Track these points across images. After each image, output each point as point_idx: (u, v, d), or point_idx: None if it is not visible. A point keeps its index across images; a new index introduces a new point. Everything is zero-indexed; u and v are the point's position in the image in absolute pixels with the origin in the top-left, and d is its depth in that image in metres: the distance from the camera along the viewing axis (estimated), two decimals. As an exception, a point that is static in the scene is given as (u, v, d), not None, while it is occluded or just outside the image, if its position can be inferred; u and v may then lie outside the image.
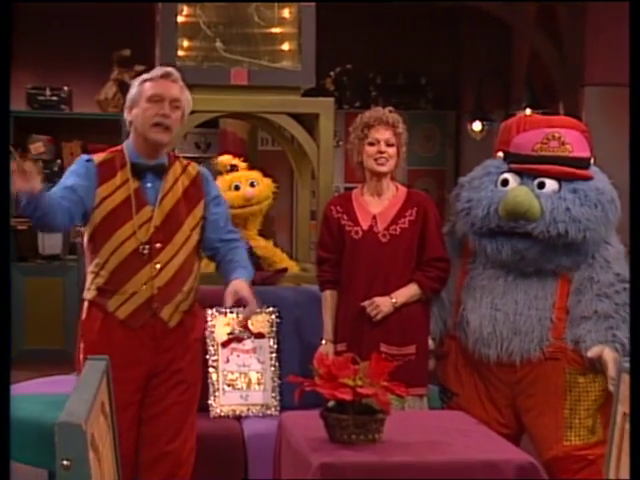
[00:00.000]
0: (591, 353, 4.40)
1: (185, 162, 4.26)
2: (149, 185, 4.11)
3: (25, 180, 3.68)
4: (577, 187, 4.46)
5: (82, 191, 4.04)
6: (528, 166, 4.49)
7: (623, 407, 3.83)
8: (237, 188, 5.48)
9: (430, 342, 4.69)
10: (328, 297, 4.75)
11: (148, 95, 4.06)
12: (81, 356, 4.11)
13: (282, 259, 5.58)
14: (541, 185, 4.46)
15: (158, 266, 4.06)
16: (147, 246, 4.05)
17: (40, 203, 3.83)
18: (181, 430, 4.16)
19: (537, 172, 4.47)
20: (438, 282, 4.64)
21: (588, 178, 4.49)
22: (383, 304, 4.56)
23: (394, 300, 4.57)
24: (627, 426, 3.79)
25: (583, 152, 4.54)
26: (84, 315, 4.16)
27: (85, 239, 4.16)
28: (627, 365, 3.86)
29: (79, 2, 10.03)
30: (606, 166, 4.68)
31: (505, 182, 4.51)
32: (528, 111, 8.38)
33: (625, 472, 3.79)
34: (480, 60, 10.52)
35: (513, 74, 10.50)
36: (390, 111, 4.70)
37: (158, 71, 4.15)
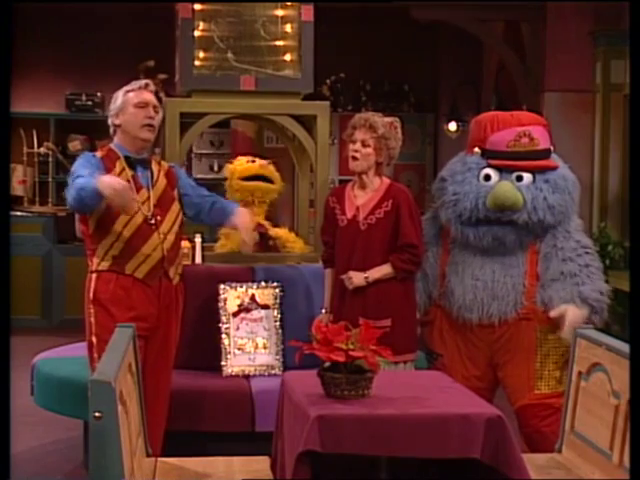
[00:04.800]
0: (554, 313, 4.40)
1: (158, 159, 4.52)
2: (140, 174, 4.31)
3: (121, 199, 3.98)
4: (548, 177, 4.49)
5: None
6: (507, 162, 4.48)
7: (578, 367, 3.82)
8: (253, 162, 5.36)
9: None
10: (327, 274, 4.77)
11: (134, 102, 4.28)
12: (92, 319, 4.22)
13: (295, 240, 5.48)
14: (519, 178, 4.48)
15: (163, 233, 4.28)
16: (152, 218, 4.25)
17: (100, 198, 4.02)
18: (171, 373, 4.42)
19: (515, 168, 4.47)
20: (410, 264, 4.56)
21: (555, 168, 4.50)
22: (355, 277, 4.53)
23: (367, 275, 4.53)
24: (582, 383, 3.78)
25: (547, 144, 4.59)
26: (94, 284, 4.24)
27: (92, 223, 4.22)
28: (584, 332, 3.85)
29: (111, 19, 10.00)
30: (562, 159, 4.69)
31: (487, 177, 4.51)
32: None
33: (579, 423, 3.78)
34: (455, 70, 10.48)
35: (483, 82, 10.46)
36: (379, 116, 4.62)
37: (138, 83, 4.35)
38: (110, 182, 3.97)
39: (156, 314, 4.26)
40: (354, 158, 4.58)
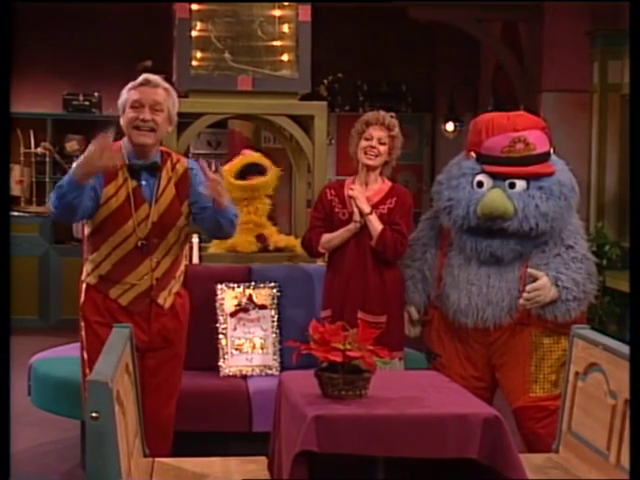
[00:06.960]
0: (531, 270, 4.38)
1: (175, 159, 4.07)
2: (144, 183, 3.96)
3: (103, 158, 3.63)
4: (543, 184, 4.42)
5: (95, 188, 3.88)
6: (499, 169, 4.42)
7: (575, 367, 3.82)
8: (243, 154, 5.40)
9: (415, 312, 4.67)
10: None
11: (130, 102, 3.94)
12: (83, 333, 4.01)
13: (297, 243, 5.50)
14: (512, 185, 4.42)
15: (156, 260, 3.96)
16: (146, 242, 3.91)
17: (82, 193, 3.72)
18: (175, 393, 4.15)
19: (507, 175, 4.43)
20: (396, 243, 4.56)
21: (551, 174, 4.45)
22: (361, 198, 4.56)
23: (371, 213, 4.55)
24: (579, 383, 3.78)
25: (544, 147, 4.51)
26: (83, 297, 4.02)
27: (87, 232, 4.01)
28: (581, 332, 3.85)
29: (109, 19, 10.00)
30: (563, 161, 4.67)
31: (480, 184, 4.47)
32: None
33: (576, 423, 3.78)
34: (453, 70, 10.49)
35: (481, 82, 10.47)
36: (391, 116, 4.69)
37: (139, 79, 3.97)
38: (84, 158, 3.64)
39: (147, 340, 3.98)
40: (372, 155, 4.60)
